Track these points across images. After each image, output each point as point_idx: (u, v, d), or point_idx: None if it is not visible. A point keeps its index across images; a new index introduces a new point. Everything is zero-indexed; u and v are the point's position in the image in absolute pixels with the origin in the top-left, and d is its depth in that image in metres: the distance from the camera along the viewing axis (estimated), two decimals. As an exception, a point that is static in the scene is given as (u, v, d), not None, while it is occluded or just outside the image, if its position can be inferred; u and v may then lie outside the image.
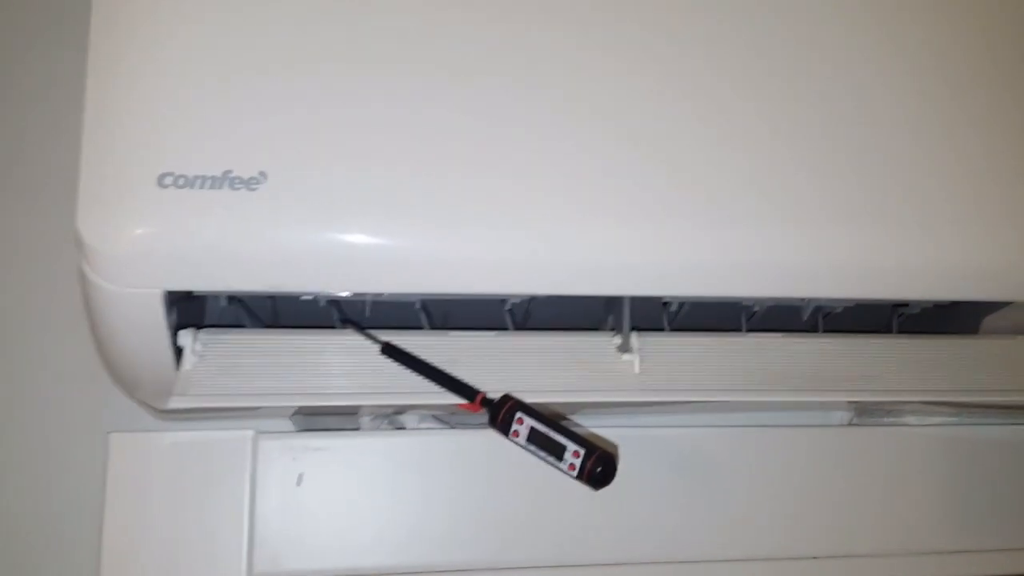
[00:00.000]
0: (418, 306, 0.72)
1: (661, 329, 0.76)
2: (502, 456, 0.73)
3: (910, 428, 0.91)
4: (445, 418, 0.85)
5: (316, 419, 0.83)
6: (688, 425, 0.85)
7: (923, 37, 0.70)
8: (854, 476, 0.89)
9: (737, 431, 0.86)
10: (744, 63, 0.67)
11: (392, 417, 0.84)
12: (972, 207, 0.67)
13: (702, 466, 0.84)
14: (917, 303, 0.77)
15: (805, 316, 0.75)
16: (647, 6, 0.67)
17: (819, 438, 0.88)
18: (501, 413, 0.63)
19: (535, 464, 0.64)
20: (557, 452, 0.61)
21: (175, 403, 0.62)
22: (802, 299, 0.73)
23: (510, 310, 0.74)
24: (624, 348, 0.71)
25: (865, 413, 0.91)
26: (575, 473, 0.61)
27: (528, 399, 0.66)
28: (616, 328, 0.72)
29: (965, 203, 0.67)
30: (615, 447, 0.67)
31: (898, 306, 0.80)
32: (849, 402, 0.88)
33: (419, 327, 0.74)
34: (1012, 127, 0.70)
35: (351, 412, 0.82)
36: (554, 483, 0.65)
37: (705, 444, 0.85)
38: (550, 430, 0.62)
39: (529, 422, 0.62)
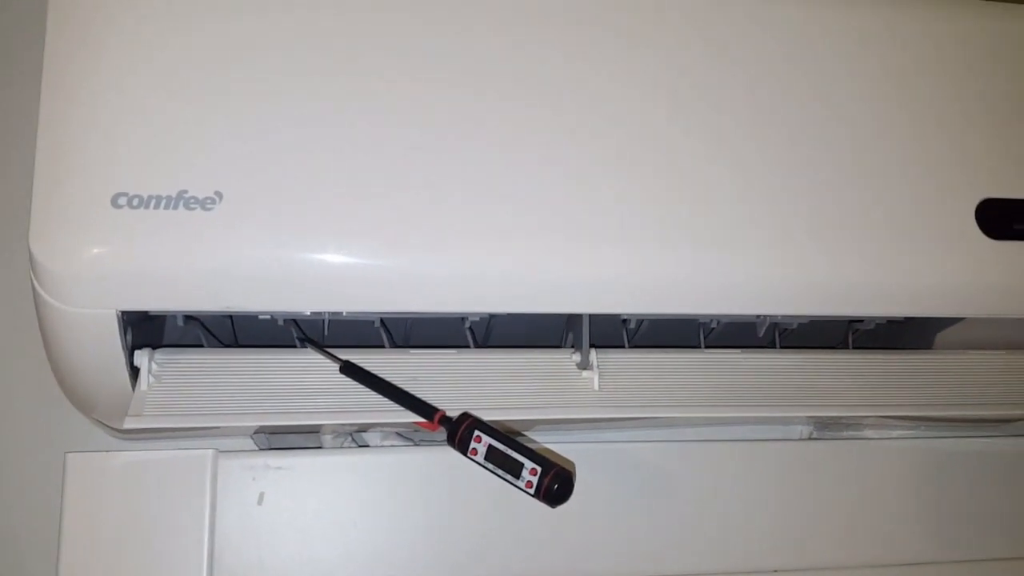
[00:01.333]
0: (377, 324, 0.72)
1: (621, 346, 0.77)
2: (465, 473, 0.73)
3: (870, 441, 0.92)
4: (408, 435, 0.85)
5: (279, 438, 0.83)
6: (648, 440, 0.85)
7: (887, 71, 0.72)
8: (815, 489, 0.89)
9: (697, 445, 0.86)
10: (702, 83, 0.68)
11: (355, 435, 0.84)
12: (924, 227, 0.69)
13: (662, 481, 0.84)
14: (871, 319, 0.78)
15: (761, 332, 0.75)
16: (614, 23, 0.68)
17: (779, 452, 0.89)
18: (459, 431, 0.63)
19: (497, 481, 0.64)
20: (514, 470, 0.61)
21: (130, 423, 0.62)
22: (758, 316, 0.73)
23: (470, 328, 0.74)
24: (584, 365, 0.71)
25: (825, 427, 0.91)
26: (532, 491, 0.61)
27: (489, 416, 0.66)
28: (576, 345, 0.72)
29: (917, 223, 0.69)
30: (572, 464, 0.68)
31: (853, 322, 0.81)
32: (809, 417, 0.89)
33: (380, 345, 0.74)
34: (963, 152, 0.71)
35: (313, 430, 0.82)
36: (517, 499, 0.65)
37: (665, 459, 0.85)
38: (507, 448, 0.62)
39: (487, 440, 0.63)
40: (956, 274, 0.69)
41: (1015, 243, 0.69)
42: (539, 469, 0.60)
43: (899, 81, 0.72)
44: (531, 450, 0.62)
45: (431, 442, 0.83)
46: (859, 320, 0.80)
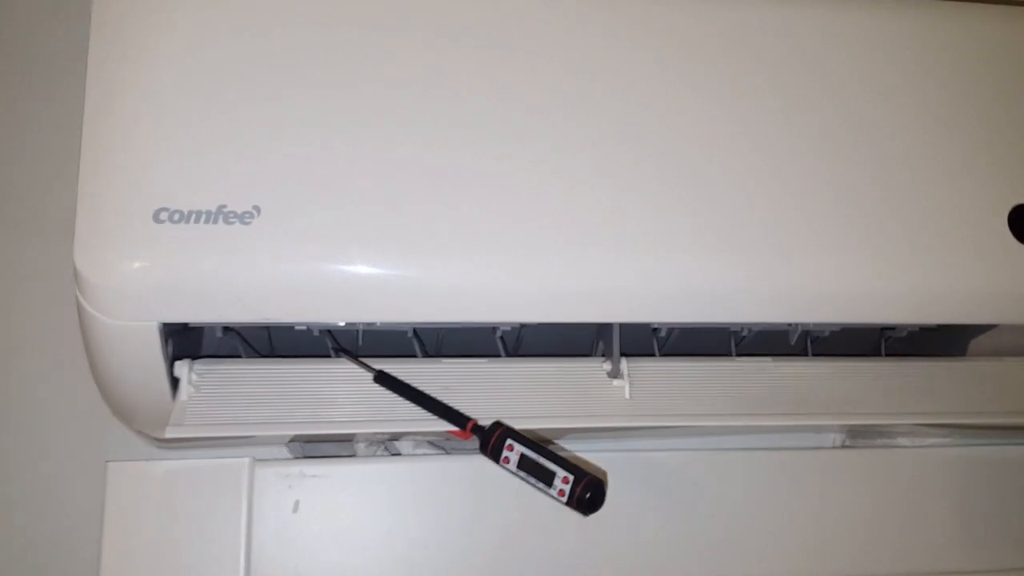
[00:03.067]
0: (410, 334, 0.73)
1: (651, 354, 0.77)
2: (496, 481, 0.74)
3: (903, 449, 0.91)
4: (440, 444, 0.86)
5: (313, 446, 0.84)
6: (679, 449, 0.85)
7: (921, 77, 0.72)
8: (847, 498, 0.89)
9: (728, 454, 0.86)
10: (733, 91, 0.69)
11: (388, 443, 0.85)
12: (956, 234, 0.68)
13: (694, 490, 0.84)
14: (904, 327, 0.77)
15: (793, 340, 0.75)
16: (634, 33, 0.69)
17: (812, 460, 0.88)
18: (492, 440, 0.64)
19: (529, 489, 0.65)
20: (547, 478, 0.62)
21: (171, 433, 0.63)
22: (789, 324, 0.73)
23: (501, 337, 0.75)
24: (614, 374, 0.72)
25: (857, 435, 0.91)
26: (564, 499, 0.61)
27: (520, 425, 0.67)
28: (606, 354, 0.73)
29: (949, 230, 0.68)
30: (604, 473, 0.68)
31: (886, 329, 0.81)
32: (841, 425, 0.89)
33: (412, 355, 0.75)
34: (995, 158, 0.71)
35: (347, 439, 0.83)
36: (548, 507, 0.65)
37: (697, 468, 0.85)
38: (540, 456, 0.62)
39: (519, 449, 0.63)
40: (989, 281, 0.68)
41: (1048, 249, 0.69)
42: (571, 478, 0.61)
43: (933, 88, 0.72)
44: (563, 459, 0.62)
45: (463, 451, 0.84)
46: (891, 328, 0.79)
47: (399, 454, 0.86)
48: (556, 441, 0.81)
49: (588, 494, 0.61)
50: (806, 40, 0.71)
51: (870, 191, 0.68)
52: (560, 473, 0.62)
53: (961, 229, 0.69)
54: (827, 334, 0.76)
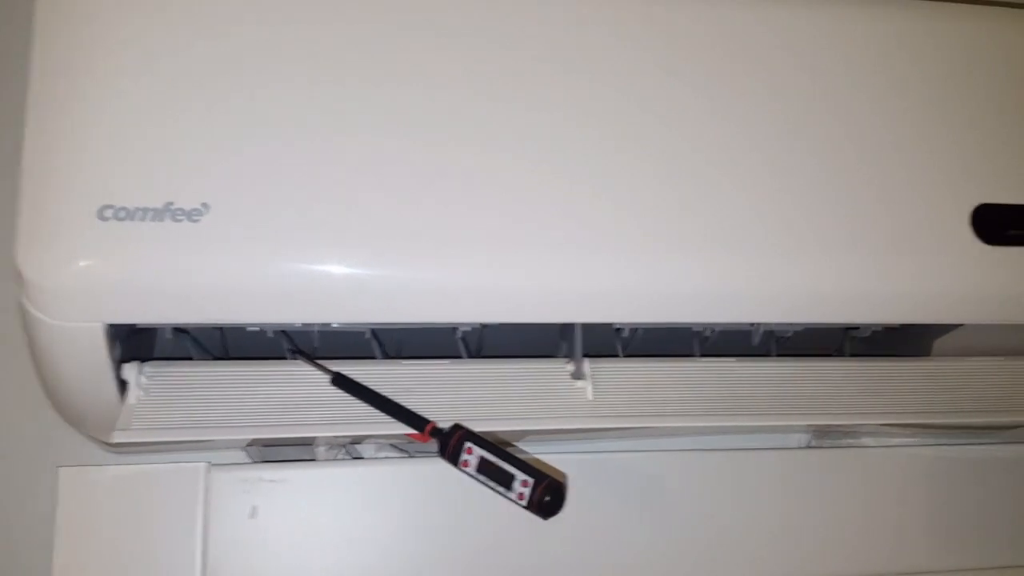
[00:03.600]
0: (368, 335, 0.71)
1: (615, 355, 0.76)
2: (459, 484, 0.72)
3: (869, 449, 0.91)
4: (403, 447, 0.85)
5: (272, 450, 0.83)
6: (642, 450, 0.85)
7: (880, 77, 0.71)
8: (814, 498, 0.89)
9: (692, 454, 0.86)
10: (689, 91, 0.68)
11: (349, 447, 0.84)
12: (918, 234, 0.68)
13: (657, 491, 0.84)
14: (867, 326, 0.77)
15: (756, 340, 0.75)
16: (607, 31, 0.68)
17: (777, 461, 0.88)
18: (451, 443, 0.63)
19: (491, 492, 0.64)
20: (506, 482, 0.61)
21: (118, 437, 0.61)
22: (752, 324, 0.73)
23: (463, 338, 0.74)
24: (577, 375, 0.71)
25: (823, 435, 0.91)
26: (524, 502, 0.60)
27: (481, 427, 0.66)
28: (569, 355, 0.72)
29: (912, 230, 0.68)
30: (564, 475, 0.67)
31: (850, 329, 0.80)
32: (807, 425, 0.89)
33: (372, 356, 0.73)
34: (958, 158, 0.71)
35: (307, 443, 0.81)
36: (510, 511, 0.64)
37: (660, 468, 0.85)
38: (499, 459, 0.61)
39: (479, 452, 0.62)
40: (952, 280, 0.68)
41: (1011, 248, 0.69)
42: (531, 481, 0.60)
43: (892, 87, 0.71)
44: (523, 461, 0.61)
45: (426, 454, 0.83)
46: (855, 327, 0.79)
47: (361, 457, 0.84)
48: (518, 443, 0.80)
49: (547, 497, 0.60)
50: (773, 40, 0.71)
51: (832, 191, 0.68)
52: (519, 476, 0.61)
53: (924, 229, 0.68)
54: (791, 334, 0.76)
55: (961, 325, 0.77)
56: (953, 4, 0.75)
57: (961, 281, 0.68)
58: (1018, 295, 0.69)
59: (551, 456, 0.79)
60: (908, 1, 0.74)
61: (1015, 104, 0.72)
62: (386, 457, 0.84)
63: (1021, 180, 0.71)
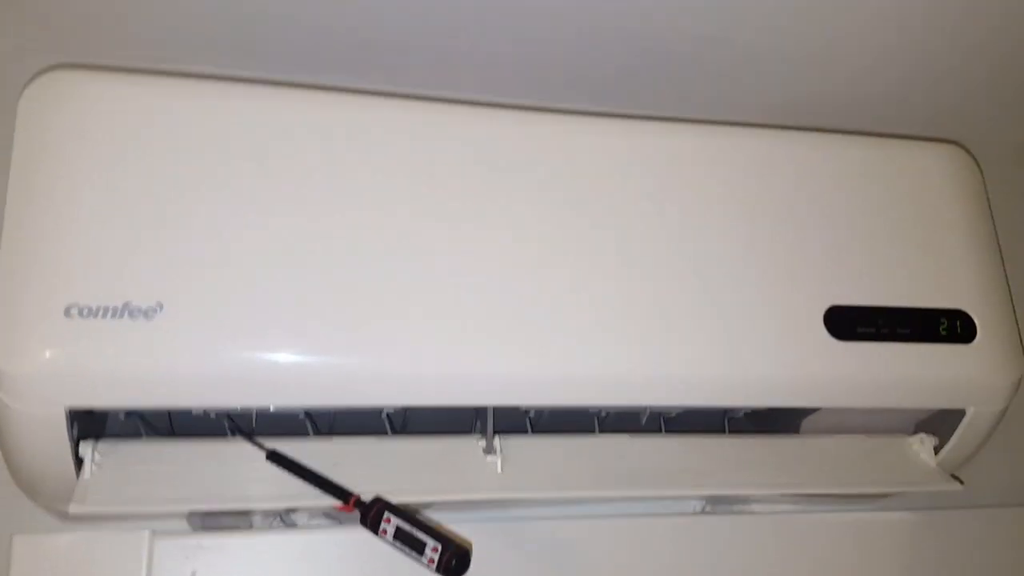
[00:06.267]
0: (302, 416, 0.80)
1: (524, 432, 0.86)
2: (381, 550, 0.80)
3: (757, 516, 1.01)
4: (334, 515, 0.92)
5: (212, 518, 0.89)
6: (547, 517, 0.93)
7: (755, 200, 0.83)
8: (707, 560, 0.97)
9: (592, 520, 0.94)
10: (588, 210, 0.79)
11: (284, 515, 0.91)
12: (779, 330, 0.79)
13: (559, 554, 0.92)
14: (737, 409, 0.88)
15: (644, 420, 0.85)
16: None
17: (673, 526, 0.97)
18: (371, 513, 0.71)
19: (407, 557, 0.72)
20: (419, 548, 0.69)
21: (74, 509, 0.68)
22: (639, 406, 0.83)
23: (388, 417, 0.82)
24: (488, 450, 0.79)
25: (716, 502, 1.00)
26: (434, 567, 0.69)
27: (400, 498, 0.74)
28: (482, 432, 0.81)
29: (773, 327, 0.79)
30: (469, 542, 0.75)
31: (726, 410, 0.91)
32: (694, 495, 0.98)
33: (305, 433, 0.82)
34: (813, 265, 0.82)
35: (244, 512, 0.88)
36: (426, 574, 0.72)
37: (563, 533, 0.92)
38: (413, 528, 0.70)
39: (396, 521, 0.70)
40: (807, 370, 0.79)
41: (858, 343, 0.80)
42: (439, 547, 0.68)
43: (764, 208, 0.83)
44: (434, 530, 0.70)
45: (355, 521, 0.90)
46: (730, 409, 0.90)
47: (295, 524, 0.91)
48: (436, 511, 0.88)
49: (454, 561, 0.68)
50: (673, 165, 0.82)
51: (708, 293, 0.79)
52: (430, 543, 0.69)
53: (783, 326, 0.79)
54: (675, 414, 0.86)
55: (820, 408, 0.88)
56: (810, 132, 0.88)
57: (815, 371, 0.79)
58: (866, 383, 0.81)
59: (466, 523, 0.86)
60: (773, 131, 0.88)
61: (862, 220, 0.85)
62: (318, 525, 0.91)
63: (868, 284, 0.83)
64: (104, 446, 0.72)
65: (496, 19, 0.89)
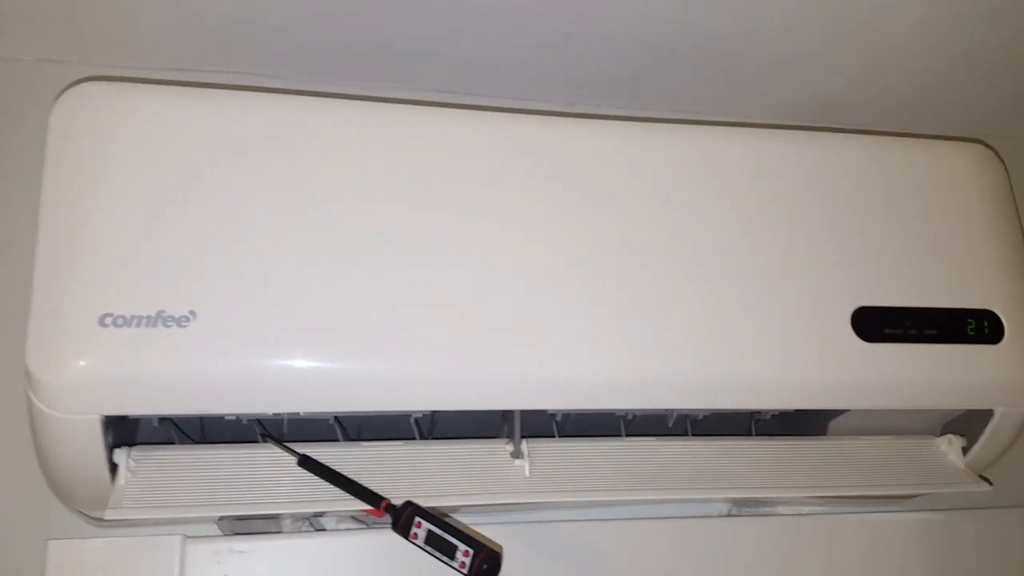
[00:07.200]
0: (331, 421, 0.80)
1: (551, 436, 0.86)
2: (411, 553, 0.80)
3: (783, 517, 1.01)
4: (362, 519, 0.93)
5: (242, 523, 0.90)
6: (574, 519, 0.94)
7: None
8: (734, 562, 0.98)
9: (619, 523, 0.94)
10: (622, 215, 0.79)
11: (312, 519, 0.92)
12: (807, 333, 0.79)
13: (587, 557, 0.92)
14: (766, 411, 0.88)
15: (671, 423, 0.85)
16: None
17: (699, 528, 0.97)
18: (402, 518, 0.72)
19: (437, 561, 0.72)
20: (450, 552, 0.70)
21: (110, 515, 0.69)
22: (667, 409, 0.83)
23: (416, 422, 0.83)
24: (516, 454, 0.80)
25: (742, 504, 1.01)
26: (465, 571, 0.69)
27: (429, 502, 0.74)
28: (510, 436, 0.81)
29: (801, 329, 0.79)
30: (500, 546, 0.75)
31: (754, 413, 0.91)
32: (721, 498, 0.98)
33: (335, 439, 0.82)
34: (841, 267, 0.82)
35: (274, 516, 0.89)
36: (458, 578, 0.73)
37: (590, 536, 0.93)
38: (444, 532, 0.70)
39: (426, 525, 0.71)
40: (835, 372, 0.79)
41: (885, 345, 0.80)
42: (471, 551, 0.69)
43: (794, 210, 0.83)
44: (464, 534, 0.70)
45: (382, 525, 0.91)
46: (758, 411, 0.90)
47: (323, 529, 0.92)
48: (463, 514, 0.89)
49: (485, 565, 0.69)
50: (712, 166, 0.83)
51: (738, 297, 0.79)
52: (461, 547, 0.69)
53: (811, 328, 0.79)
54: (701, 417, 0.86)
55: (846, 410, 0.88)
56: (836, 134, 0.88)
57: (842, 373, 0.79)
58: (893, 385, 0.81)
59: (495, 526, 0.87)
60: (799, 132, 0.88)
61: (888, 221, 0.85)
62: (346, 529, 0.92)
63: (895, 285, 0.83)
64: (138, 452, 0.74)
65: (504, 25, 0.90)
